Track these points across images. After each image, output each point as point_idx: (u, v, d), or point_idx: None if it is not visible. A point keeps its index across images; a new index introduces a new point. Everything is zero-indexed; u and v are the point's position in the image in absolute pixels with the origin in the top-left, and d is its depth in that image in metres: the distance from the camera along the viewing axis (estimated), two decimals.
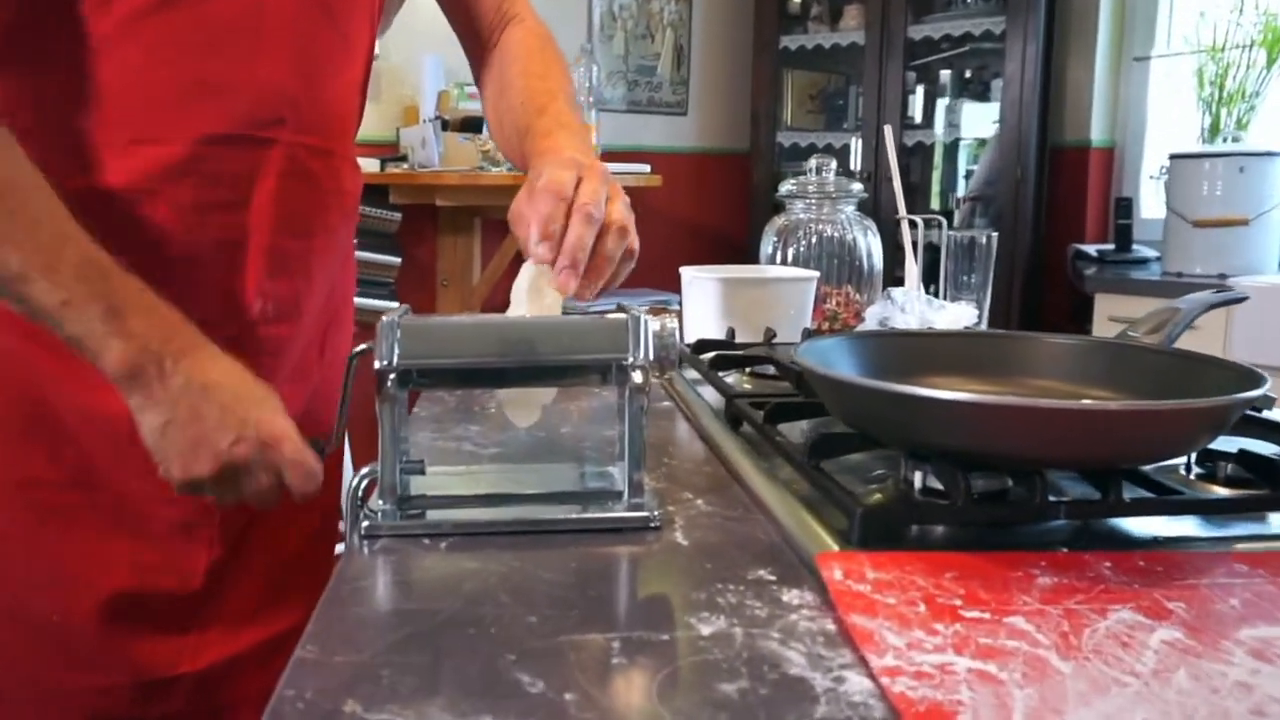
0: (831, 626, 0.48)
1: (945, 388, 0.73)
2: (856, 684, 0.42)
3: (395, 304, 3.14)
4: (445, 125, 2.90)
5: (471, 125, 2.88)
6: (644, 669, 0.44)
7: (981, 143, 3.42)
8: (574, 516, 0.63)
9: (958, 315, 1.35)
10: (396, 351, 0.62)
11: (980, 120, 3.42)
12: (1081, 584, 0.51)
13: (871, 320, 1.36)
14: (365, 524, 0.63)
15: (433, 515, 0.65)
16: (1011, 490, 0.62)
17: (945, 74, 3.46)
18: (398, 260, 3.11)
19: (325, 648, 0.47)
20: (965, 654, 0.43)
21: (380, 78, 3.06)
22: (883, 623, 0.46)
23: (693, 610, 0.50)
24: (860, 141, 3.52)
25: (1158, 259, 2.85)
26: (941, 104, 3.48)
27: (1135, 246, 2.95)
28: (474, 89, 3.32)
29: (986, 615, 0.47)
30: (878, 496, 0.65)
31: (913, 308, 1.34)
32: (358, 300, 3.43)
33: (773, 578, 0.54)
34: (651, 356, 0.62)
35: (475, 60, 1.07)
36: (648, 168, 3.01)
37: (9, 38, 0.76)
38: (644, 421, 0.64)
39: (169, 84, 0.79)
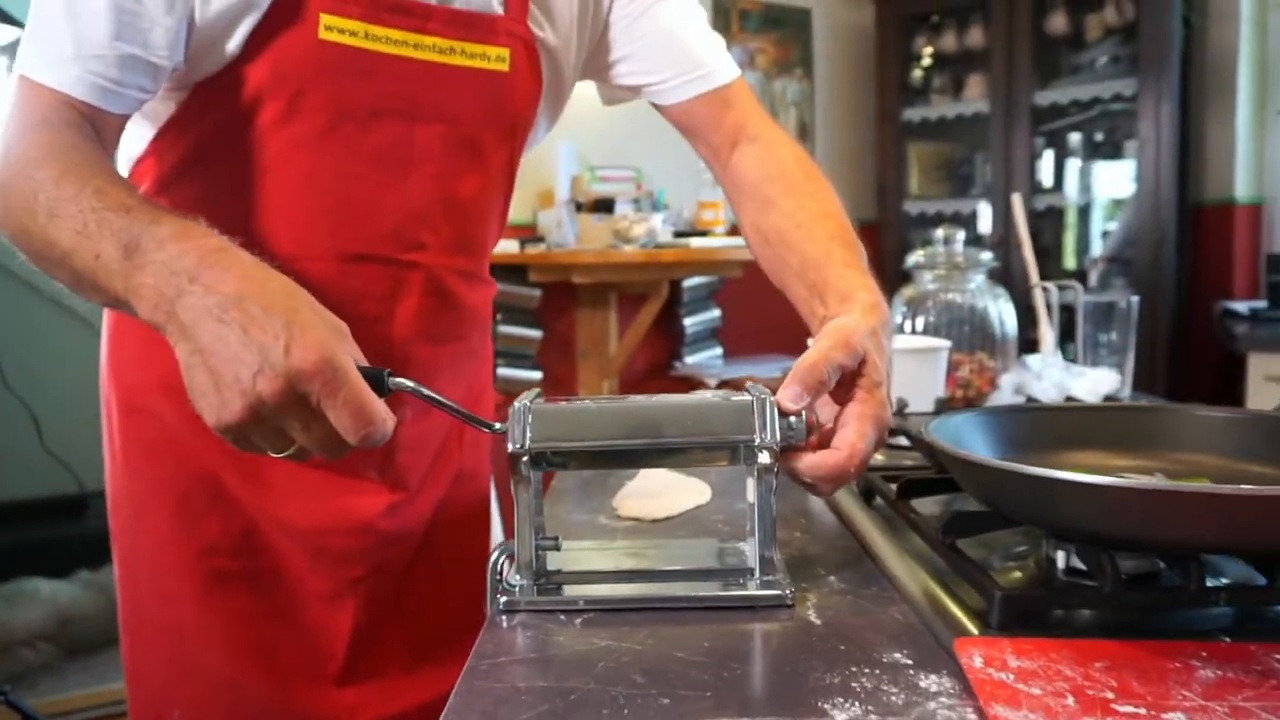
0: (972, 717, 0.45)
1: (1088, 465, 0.69)
2: None
3: (538, 374, 3.23)
4: (579, 207, 2.98)
5: (604, 206, 2.95)
6: None
7: (1118, 203, 3.29)
8: (706, 594, 0.62)
9: (1098, 381, 1.29)
10: (529, 435, 0.62)
11: (1116, 179, 3.30)
12: (1249, 678, 0.46)
13: (1006, 388, 1.30)
14: (503, 599, 0.63)
15: (568, 590, 0.64)
16: (1164, 574, 0.57)
17: (1075, 138, 3.36)
18: (539, 334, 3.19)
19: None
20: None
21: None
22: (1028, 715, 0.43)
23: (827, 695, 0.48)
24: (989, 207, 3.44)
25: None
26: (1073, 166, 3.37)
27: None
28: (605, 172, 3.40)
29: (1143, 711, 0.44)
30: (1017, 577, 0.61)
31: (1050, 374, 1.28)
32: (502, 371, 3.52)
33: (909, 661, 0.52)
34: (779, 437, 0.61)
35: (715, 174, 1.01)
36: None
37: (201, 150, 0.82)
38: (774, 501, 0.62)
39: (321, 205, 0.83)
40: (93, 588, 2.58)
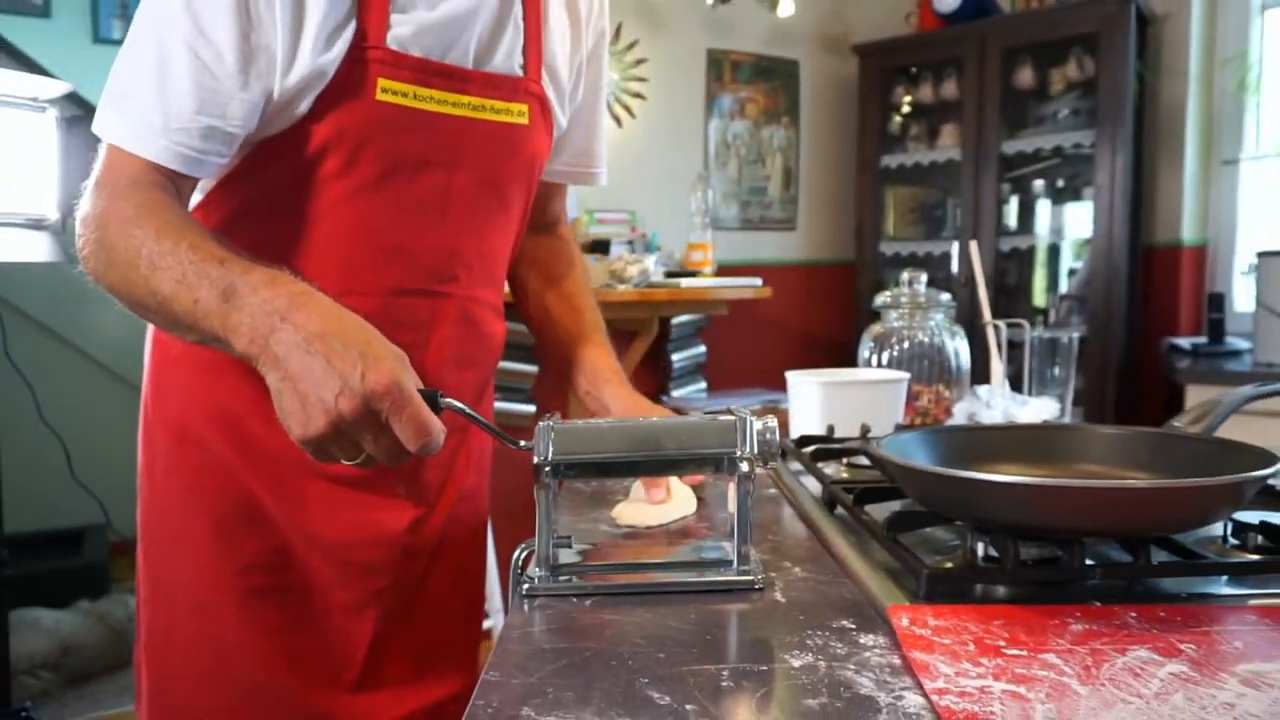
0: (897, 661, 0.57)
1: (1004, 473, 0.82)
2: (912, 700, 0.51)
3: (532, 407, 3.34)
4: None
5: (600, 247, 3.09)
6: (747, 689, 0.54)
7: (1086, 243, 3.45)
8: (693, 580, 0.74)
9: (1040, 409, 1.41)
10: (551, 449, 0.74)
11: (1079, 222, 3.46)
12: (1108, 630, 0.59)
13: (959, 415, 1.43)
14: (525, 586, 0.75)
15: (578, 580, 0.76)
16: (1061, 558, 0.70)
17: (1039, 184, 3.52)
18: (534, 369, 3.31)
19: (504, 672, 0.59)
20: (1002, 680, 0.52)
21: None
22: (938, 657, 0.56)
23: (786, 649, 0.60)
24: (959, 249, 3.59)
25: (1250, 351, 2.81)
26: (1040, 210, 3.53)
27: (1229, 339, 2.91)
28: (602, 215, 3.52)
29: (1024, 653, 0.56)
30: (947, 564, 0.74)
31: (997, 403, 1.41)
32: (499, 404, 3.63)
33: (853, 626, 0.64)
34: (756, 450, 0.73)
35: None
36: (759, 281, 3.15)
37: (260, 197, 0.91)
38: (750, 503, 0.75)
39: (372, 245, 0.92)
40: (91, 617, 2.65)
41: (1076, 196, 3.45)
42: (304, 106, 0.87)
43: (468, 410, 0.75)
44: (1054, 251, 3.56)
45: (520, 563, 0.79)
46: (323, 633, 0.97)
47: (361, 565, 0.98)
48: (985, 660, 0.55)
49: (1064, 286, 3.55)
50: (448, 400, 0.74)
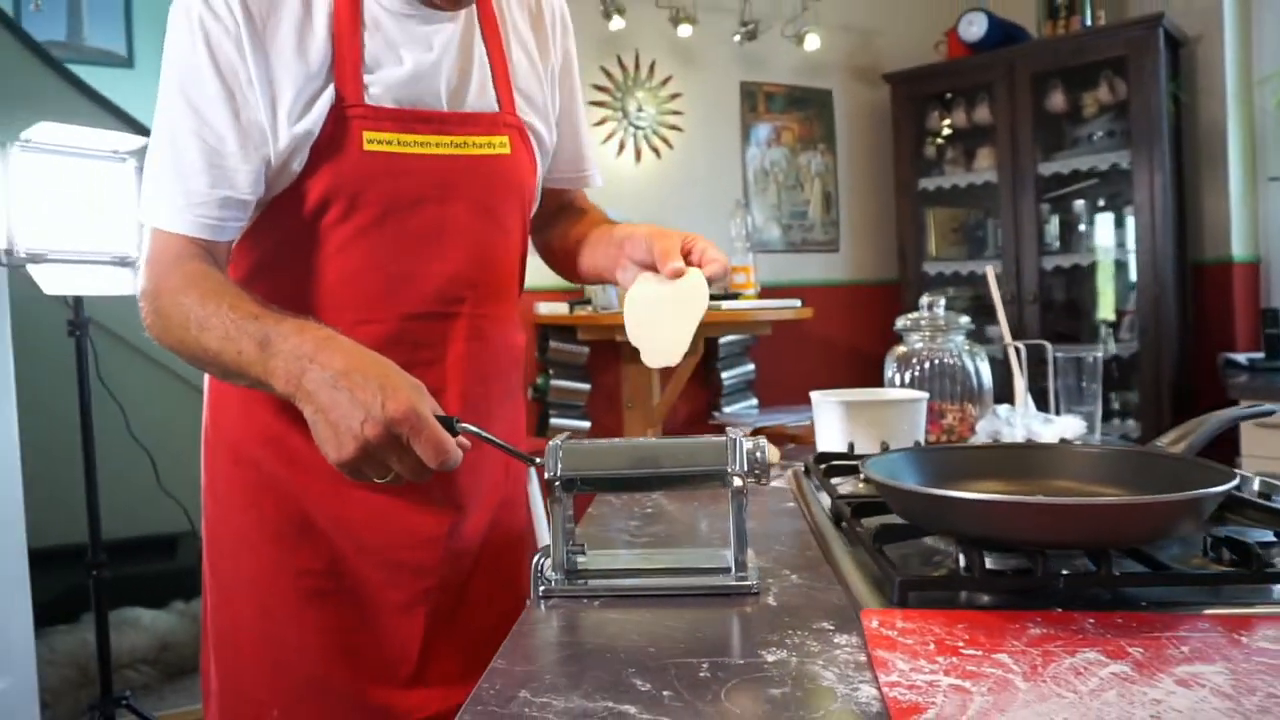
0: (863, 658, 0.61)
1: (983, 490, 0.85)
2: (866, 692, 0.56)
3: (587, 423, 3.41)
4: None
5: None
6: (720, 680, 0.59)
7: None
8: (692, 584, 0.79)
9: (1064, 427, 1.42)
10: (560, 466, 0.80)
11: (1125, 238, 3.40)
12: (1064, 634, 0.62)
13: (982, 433, 1.45)
14: (541, 588, 0.81)
15: (592, 583, 0.81)
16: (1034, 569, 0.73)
17: (1079, 203, 3.49)
18: (587, 386, 3.39)
19: (510, 661, 0.64)
20: (951, 675, 0.56)
21: None
22: (898, 655, 0.60)
23: (765, 646, 0.65)
24: (1001, 267, 3.58)
25: None
26: (1090, 225, 3.48)
27: None
28: None
29: (979, 653, 0.60)
30: (933, 573, 0.77)
31: (1018, 421, 1.42)
32: (555, 420, 3.71)
33: (831, 627, 0.68)
34: (746, 468, 0.78)
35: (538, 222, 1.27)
36: (798, 302, 3.17)
37: (277, 246, 1.00)
38: (745, 515, 0.79)
39: (380, 278, 0.99)
40: (186, 617, 2.81)
41: (1119, 214, 3.41)
42: (297, 165, 0.96)
43: (483, 433, 0.81)
44: (1121, 267, 3.49)
45: (540, 566, 0.84)
46: (378, 631, 1.03)
47: (409, 567, 1.04)
48: (941, 658, 0.59)
49: (1131, 303, 3.49)
50: (463, 425, 0.80)
